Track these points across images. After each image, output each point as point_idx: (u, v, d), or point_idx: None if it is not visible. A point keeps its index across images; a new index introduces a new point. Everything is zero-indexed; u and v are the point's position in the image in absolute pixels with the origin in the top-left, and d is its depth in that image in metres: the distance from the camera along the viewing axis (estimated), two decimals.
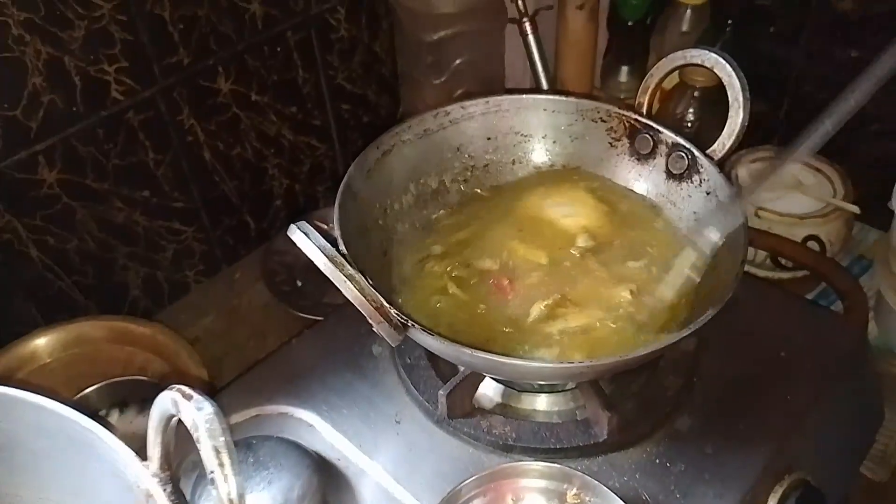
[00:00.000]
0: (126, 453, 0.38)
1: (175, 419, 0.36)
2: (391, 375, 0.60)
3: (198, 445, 0.32)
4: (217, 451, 0.32)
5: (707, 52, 0.57)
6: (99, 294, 0.77)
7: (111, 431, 0.40)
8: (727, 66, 0.56)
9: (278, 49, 0.81)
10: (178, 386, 0.34)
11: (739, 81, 0.56)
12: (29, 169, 0.67)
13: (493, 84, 0.88)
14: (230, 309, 0.84)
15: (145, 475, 0.37)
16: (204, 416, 0.32)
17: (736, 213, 0.54)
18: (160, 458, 0.37)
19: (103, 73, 0.69)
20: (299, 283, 0.83)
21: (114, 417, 0.66)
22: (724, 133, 0.57)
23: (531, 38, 0.87)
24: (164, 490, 0.37)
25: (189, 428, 0.33)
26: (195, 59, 0.75)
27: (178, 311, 0.83)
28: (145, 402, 0.66)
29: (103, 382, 0.64)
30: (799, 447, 0.55)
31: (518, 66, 0.93)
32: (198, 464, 0.52)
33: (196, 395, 0.33)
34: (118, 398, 0.66)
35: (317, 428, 0.57)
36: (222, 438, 0.32)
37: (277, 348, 0.63)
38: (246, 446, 0.52)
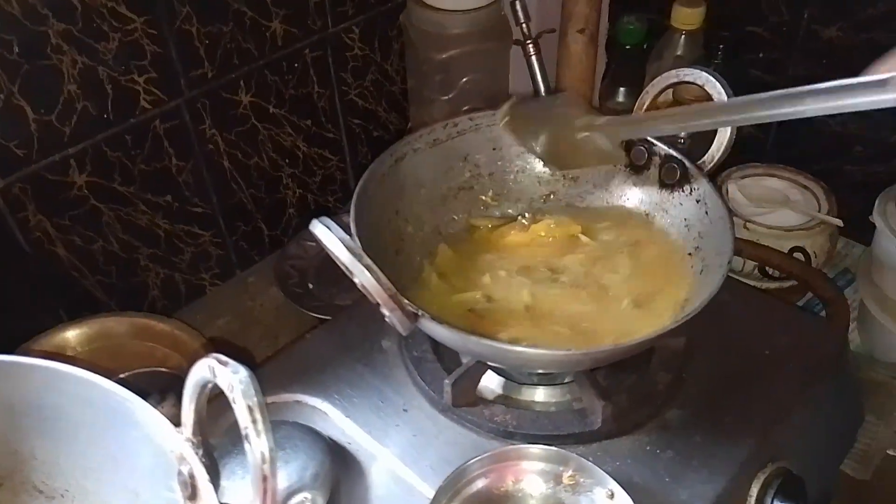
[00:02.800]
0: (161, 421, 0.42)
1: (209, 387, 0.39)
2: (399, 368, 0.63)
3: (233, 406, 0.36)
4: (251, 409, 0.35)
5: (698, 70, 0.62)
6: (120, 293, 0.81)
7: None
8: (717, 83, 0.60)
9: (296, 65, 0.86)
10: (215, 354, 0.38)
11: (728, 97, 0.60)
12: (61, 171, 0.71)
13: (497, 101, 0.92)
14: (244, 311, 0.88)
15: (179, 440, 0.41)
16: (239, 378, 0.36)
17: (722, 215, 0.58)
18: (193, 423, 0.40)
19: (133, 83, 0.73)
20: (311, 286, 0.87)
21: None
22: (713, 146, 0.61)
23: (534, 59, 0.91)
24: (197, 453, 0.40)
25: (225, 390, 0.36)
26: (219, 73, 0.79)
27: (193, 312, 0.87)
28: (165, 392, 0.70)
29: (129, 373, 0.68)
30: (781, 439, 0.58)
31: (522, 85, 0.97)
32: (218, 444, 0.56)
33: (231, 362, 0.37)
34: (139, 389, 0.69)
35: (329, 415, 0.60)
36: (255, 398, 0.36)
37: (292, 342, 0.67)
38: None
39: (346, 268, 0.48)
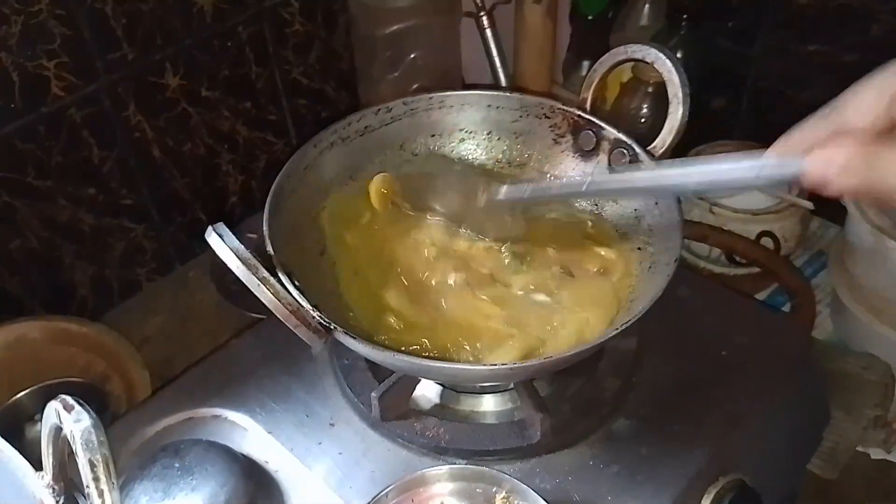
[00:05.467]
0: (22, 464, 0.37)
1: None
2: (328, 378, 0.59)
3: (76, 458, 0.31)
4: (92, 465, 0.30)
5: (647, 47, 0.56)
6: (45, 294, 0.76)
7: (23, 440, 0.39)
8: (667, 61, 0.55)
9: (229, 44, 0.80)
10: (63, 396, 0.33)
11: (679, 77, 0.55)
12: None
13: (449, 79, 0.87)
14: (182, 308, 0.83)
15: (39, 486, 0.36)
16: (80, 427, 0.31)
17: (672, 211, 0.53)
18: (53, 468, 0.36)
19: (42, 69, 0.67)
20: None
21: None
22: (664, 129, 0.56)
23: (488, 32, 0.86)
24: (57, 501, 0.36)
25: (69, 439, 0.32)
26: (140, 54, 0.73)
27: (128, 310, 0.82)
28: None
29: (37, 386, 0.63)
30: (736, 448, 0.54)
31: (476, 62, 0.91)
32: (126, 467, 0.51)
33: (77, 407, 0.32)
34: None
35: (249, 431, 0.56)
36: (98, 453, 0.31)
37: (214, 349, 0.62)
38: (173, 451, 0.51)
39: (243, 281, 0.43)
